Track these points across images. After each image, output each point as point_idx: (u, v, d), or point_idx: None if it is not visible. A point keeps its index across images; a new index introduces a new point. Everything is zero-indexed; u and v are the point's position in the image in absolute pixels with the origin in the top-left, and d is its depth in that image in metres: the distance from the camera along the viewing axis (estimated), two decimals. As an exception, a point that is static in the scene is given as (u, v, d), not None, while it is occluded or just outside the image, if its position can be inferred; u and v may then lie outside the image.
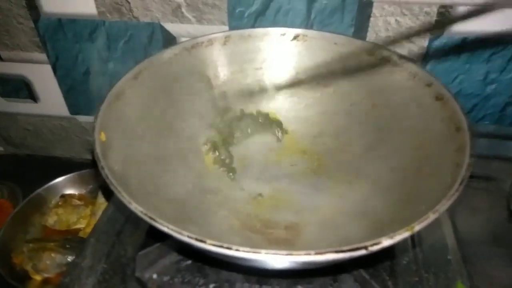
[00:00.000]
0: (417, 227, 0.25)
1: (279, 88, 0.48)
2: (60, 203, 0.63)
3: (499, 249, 0.40)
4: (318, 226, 0.36)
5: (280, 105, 0.48)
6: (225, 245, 0.23)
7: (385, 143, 0.40)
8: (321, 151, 0.45)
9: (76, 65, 0.62)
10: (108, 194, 0.61)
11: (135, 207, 0.26)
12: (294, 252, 0.23)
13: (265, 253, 0.23)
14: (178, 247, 0.38)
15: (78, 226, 0.63)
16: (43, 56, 0.62)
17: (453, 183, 0.28)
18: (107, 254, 0.40)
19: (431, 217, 0.25)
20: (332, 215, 0.38)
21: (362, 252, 0.23)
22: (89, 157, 0.76)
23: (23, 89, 0.66)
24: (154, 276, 0.37)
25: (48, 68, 0.63)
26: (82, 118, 0.69)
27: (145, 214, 0.25)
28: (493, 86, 0.55)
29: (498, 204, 0.44)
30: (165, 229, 0.24)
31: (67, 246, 0.57)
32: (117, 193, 0.27)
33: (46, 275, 0.56)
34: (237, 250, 0.23)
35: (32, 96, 0.67)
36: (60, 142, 0.74)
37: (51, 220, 0.62)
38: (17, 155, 0.77)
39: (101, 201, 0.63)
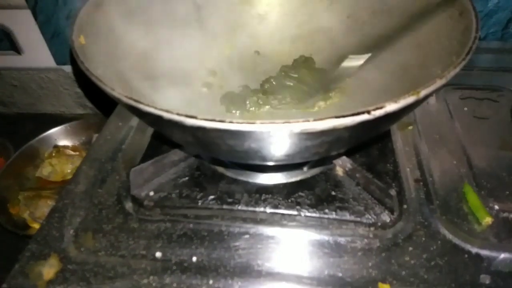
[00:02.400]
0: (423, 92, 0.23)
1: (272, 7, 0.46)
2: (53, 153, 0.62)
3: (504, 151, 0.39)
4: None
5: (273, 25, 0.45)
6: (218, 118, 0.22)
7: (385, 49, 0.38)
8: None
9: (57, 8, 0.59)
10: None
11: (119, 93, 0.24)
12: (292, 120, 0.21)
13: (261, 123, 0.21)
14: (175, 161, 0.37)
15: (73, 176, 0.61)
16: (21, 0, 0.58)
17: (460, 54, 0.26)
18: (101, 180, 0.38)
19: (438, 82, 0.23)
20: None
21: (365, 116, 0.21)
22: (80, 111, 0.74)
23: (3, 39, 0.63)
24: (151, 193, 0.35)
25: (28, 14, 0.60)
26: (69, 68, 0.67)
27: (130, 98, 0.23)
28: (495, 1, 0.52)
29: (501, 112, 0.43)
30: (151, 110, 0.22)
31: (63, 193, 0.56)
32: (98, 82, 0.25)
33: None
34: (230, 122, 0.21)
35: (14, 47, 0.64)
36: (49, 97, 0.72)
37: (45, 171, 0.61)
38: (6, 114, 0.75)
39: (95, 150, 0.62)
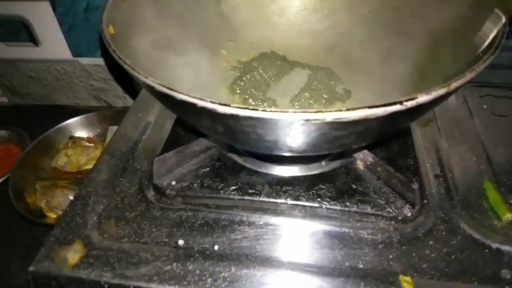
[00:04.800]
0: (455, 84, 0.23)
1: (291, 2, 0.46)
2: (69, 144, 0.62)
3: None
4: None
5: (292, 20, 0.46)
6: (251, 107, 0.22)
7: (406, 44, 0.38)
8: (337, 64, 0.43)
9: (76, 1, 0.59)
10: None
11: (153, 81, 0.24)
12: (324, 110, 0.21)
13: (293, 112, 0.22)
14: (197, 152, 0.37)
15: (88, 167, 0.62)
16: (40, -8, 0.59)
17: (488, 50, 0.26)
18: (122, 168, 0.39)
19: (468, 75, 0.24)
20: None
21: (397, 107, 0.22)
22: (94, 103, 0.75)
23: (22, 31, 0.64)
24: (173, 182, 0.36)
25: (46, 6, 0.60)
26: (85, 61, 0.67)
27: (164, 86, 0.24)
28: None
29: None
30: (185, 98, 0.23)
31: (80, 184, 0.56)
32: (131, 70, 0.25)
33: (59, 212, 0.55)
34: (264, 110, 0.22)
35: (32, 39, 0.65)
36: (64, 88, 0.73)
37: (61, 161, 0.61)
38: (22, 106, 0.76)
39: (110, 142, 0.62)
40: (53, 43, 0.65)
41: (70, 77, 0.71)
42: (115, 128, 0.64)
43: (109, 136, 0.64)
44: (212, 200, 0.35)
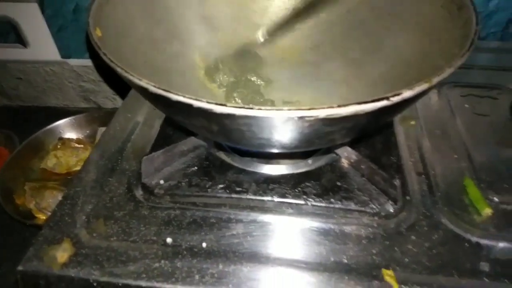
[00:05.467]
0: (435, 79, 0.24)
1: (271, 1, 0.47)
2: (58, 146, 0.62)
3: (503, 147, 0.40)
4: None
5: (273, 19, 0.46)
6: (247, 106, 0.23)
7: (384, 43, 0.40)
8: (317, 61, 0.44)
9: (64, 2, 0.59)
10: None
11: (146, 82, 0.25)
12: (316, 107, 0.22)
13: (288, 110, 0.22)
14: (185, 151, 0.38)
15: (77, 168, 0.62)
16: (29, -7, 0.59)
17: (464, 45, 0.27)
18: (111, 168, 0.39)
19: (447, 71, 0.25)
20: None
21: (384, 102, 0.23)
22: (84, 105, 0.75)
23: (10, 32, 0.64)
24: (161, 181, 0.36)
25: (35, 7, 0.60)
26: (74, 62, 0.67)
27: (158, 87, 0.24)
28: (495, 2, 0.54)
29: (501, 109, 0.44)
30: (180, 98, 0.23)
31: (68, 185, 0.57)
32: (123, 72, 0.26)
33: (49, 213, 0.55)
34: (259, 109, 0.22)
35: (20, 40, 0.65)
36: (53, 90, 0.73)
37: (50, 163, 0.61)
38: (11, 107, 0.76)
39: (100, 143, 0.63)
40: (41, 45, 0.65)
41: (59, 79, 0.71)
42: (104, 129, 0.65)
43: (98, 138, 0.64)
44: (200, 198, 0.35)
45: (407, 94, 0.24)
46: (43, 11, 0.61)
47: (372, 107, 0.23)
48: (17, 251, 0.53)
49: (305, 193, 0.35)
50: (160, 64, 0.39)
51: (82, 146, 0.64)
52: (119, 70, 0.26)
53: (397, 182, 0.34)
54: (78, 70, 0.69)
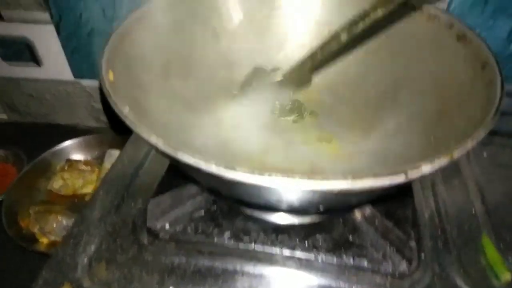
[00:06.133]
0: (457, 154, 0.23)
1: (288, 37, 0.46)
2: (66, 167, 0.62)
3: (525, 203, 0.38)
4: (335, 168, 0.35)
5: (290, 55, 0.46)
6: (256, 171, 0.22)
7: (404, 90, 0.38)
8: (333, 101, 0.43)
9: (80, 25, 0.60)
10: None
11: (156, 139, 0.24)
12: (331, 177, 0.21)
13: (299, 178, 0.21)
14: (192, 194, 0.37)
15: (84, 191, 0.62)
16: (45, 16, 0.59)
17: (488, 112, 0.26)
18: (117, 206, 0.38)
19: (470, 144, 0.24)
20: (348, 160, 0.36)
21: (401, 177, 0.22)
22: (94, 124, 0.74)
23: (25, 51, 0.64)
24: (167, 226, 0.35)
25: (51, 29, 0.61)
26: (86, 82, 0.67)
27: (168, 145, 0.23)
28: (517, 43, 0.53)
29: (522, 160, 0.42)
30: (190, 160, 0.22)
31: (74, 209, 0.56)
32: (134, 127, 0.25)
33: (53, 238, 0.55)
34: (269, 175, 0.21)
35: (34, 59, 0.65)
36: (64, 108, 0.73)
37: (56, 184, 0.61)
38: (21, 123, 0.76)
39: (107, 166, 0.62)
40: (55, 65, 0.65)
41: (70, 98, 0.71)
42: (113, 151, 0.64)
43: (106, 160, 0.63)
44: (206, 246, 0.34)
45: (426, 169, 0.22)
46: (58, 33, 0.61)
47: (389, 182, 0.22)
48: (17, 276, 0.52)
49: (315, 247, 0.33)
50: (177, 102, 0.38)
51: (89, 168, 0.63)
52: (128, 122, 0.26)
53: (412, 242, 0.32)
54: (90, 90, 0.69)
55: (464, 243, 0.35)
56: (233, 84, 0.44)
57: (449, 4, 0.50)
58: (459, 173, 0.41)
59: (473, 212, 0.38)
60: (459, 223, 0.37)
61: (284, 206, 0.26)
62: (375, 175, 0.21)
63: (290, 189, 0.22)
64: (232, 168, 0.22)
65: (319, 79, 0.45)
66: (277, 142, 0.41)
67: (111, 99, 0.27)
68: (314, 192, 0.23)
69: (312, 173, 0.35)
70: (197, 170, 0.23)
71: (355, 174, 0.21)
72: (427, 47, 0.39)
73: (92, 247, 0.35)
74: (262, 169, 0.22)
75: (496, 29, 0.52)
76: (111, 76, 0.31)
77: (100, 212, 0.38)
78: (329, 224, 0.35)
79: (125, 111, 0.26)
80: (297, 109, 0.44)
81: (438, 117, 0.34)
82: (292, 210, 0.27)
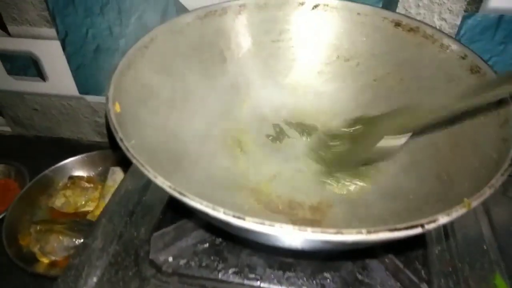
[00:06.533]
0: (475, 203, 0.22)
1: (296, 62, 0.46)
2: (68, 184, 0.61)
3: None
4: (344, 205, 0.34)
5: (297, 80, 0.45)
6: (267, 222, 0.21)
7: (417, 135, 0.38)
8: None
9: (86, 42, 0.59)
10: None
11: (162, 182, 0.23)
12: (344, 231, 0.20)
13: (312, 232, 0.20)
14: (197, 227, 0.36)
15: (86, 209, 0.61)
16: (52, 32, 0.59)
17: (504, 157, 0.25)
18: (119, 235, 0.37)
19: (488, 192, 0.23)
20: (358, 194, 0.35)
21: (418, 230, 0.21)
22: (98, 139, 0.74)
23: (31, 66, 0.64)
24: (170, 259, 0.34)
25: (57, 45, 0.60)
26: (91, 98, 0.67)
27: (174, 189, 0.23)
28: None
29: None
30: (198, 205, 0.22)
31: (75, 229, 0.55)
32: (140, 166, 0.24)
33: (53, 258, 0.54)
34: (281, 228, 0.21)
35: (40, 74, 0.65)
36: (68, 123, 0.72)
37: (58, 202, 0.60)
38: (25, 136, 0.75)
39: (110, 184, 0.61)
40: (60, 80, 0.65)
41: (75, 112, 0.70)
42: (116, 169, 0.64)
43: (110, 177, 0.62)
44: (210, 282, 0.33)
45: (443, 220, 0.22)
46: (64, 49, 0.61)
47: (405, 234, 0.21)
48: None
49: (323, 286, 0.32)
50: (183, 130, 0.37)
51: (92, 185, 0.63)
52: (134, 161, 0.25)
53: (423, 285, 0.31)
54: (95, 106, 0.68)
55: (476, 283, 0.34)
56: (240, 110, 0.43)
57: (459, 29, 0.49)
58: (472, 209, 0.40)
59: (485, 248, 0.36)
60: (471, 260, 0.35)
61: (292, 251, 0.25)
62: (391, 229, 0.20)
63: (301, 240, 0.21)
64: (241, 217, 0.21)
65: (328, 104, 0.44)
66: (285, 169, 0.40)
67: (117, 135, 0.27)
68: (325, 242, 0.22)
69: (319, 209, 0.34)
70: (206, 215, 0.22)
71: (370, 229, 0.20)
72: (440, 77, 0.38)
73: (94, 279, 0.34)
74: (271, 219, 0.21)
75: (507, 54, 0.51)
76: (117, 107, 0.30)
77: (102, 242, 0.37)
78: (337, 261, 0.34)
79: (130, 148, 0.25)
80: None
81: (451, 153, 0.33)
82: (302, 253, 0.26)
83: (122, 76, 0.32)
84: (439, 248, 0.36)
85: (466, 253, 0.36)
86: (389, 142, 0.33)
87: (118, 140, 0.26)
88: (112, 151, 0.67)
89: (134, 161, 0.25)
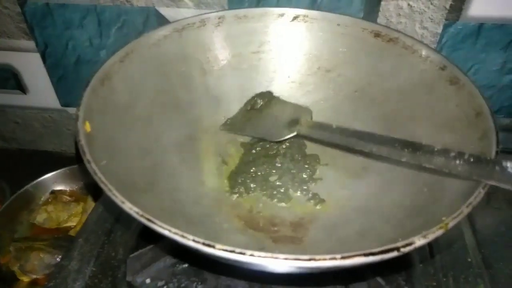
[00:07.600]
0: (451, 223, 0.22)
1: (277, 73, 0.45)
2: (50, 199, 0.60)
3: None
4: (326, 222, 0.33)
5: (278, 92, 0.44)
6: (238, 250, 0.20)
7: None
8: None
9: (66, 54, 0.58)
10: (96, 190, 0.58)
11: (130, 207, 0.22)
12: (317, 257, 0.20)
13: (284, 259, 0.20)
14: (174, 249, 0.35)
15: (68, 224, 0.60)
16: (31, 44, 0.58)
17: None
18: (96, 255, 0.36)
19: (465, 211, 0.22)
20: (340, 210, 0.35)
21: (394, 254, 0.20)
22: (81, 151, 0.73)
23: (10, 79, 0.63)
24: (147, 280, 0.33)
25: (36, 57, 0.59)
26: (73, 110, 0.65)
27: (142, 216, 0.22)
28: (510, 76, 0.52)
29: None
30: (165, 232, 0.21)
31: (57, 245, 0.54)
32: (107, 191, 0.23)
33: (34, 276, 0.52)
34: (251, 255, 0.20)
35: (20, 87, 0.64)
36: (50, 135, 0.71)
37: (40, 217, 0.59)
38: (6, 149, 0.74)
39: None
40: (41, 92, 0.64)
41: (57, 125, 0.69)
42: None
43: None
44: (189, 304, 0.32)
45: (419, 242, 0.21)
46: (44, 61, 0.60)
47: (380, 259, 0.20)
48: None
49: (304, 306, 0.32)
50: (159, 147, 0.36)
51: (74, 199, 0.61)
52: (102, 186, 0.24)
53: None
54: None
55: (460, 297, 0.34)
56: (221, 123, 0.43)
57: (441, 37, 0.49)
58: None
59: (469, 260, 0.36)
60: (455, 273, 0.35)
61: (269, 278, 0.24)
62: (366, 254, 0.20)
63: (276, 267, 0.21)
64: (211, 245, 0.20)
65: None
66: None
67: (85, 156, 0.26)
68: (300, 268, 0.21)
69: (301, 224, 0.33)
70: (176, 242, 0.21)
71: (344, 254, 0.20)
72: (419, 88, 0.38)
73: (69, 304, 0.33)
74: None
75: (488, 62, 0.51)
76: (88, 127, 0.29)
77: (79, 263, 0.36)
78: (319, 277, 0.33)
79: (98, 171, 0.25)
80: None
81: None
82: (276, 280, 0.25)
83: (94, 93, 0.31)
84: (422, 260, 0.36)
85: (450, 267, 0.36)
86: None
87: (85, 162, 0.25)
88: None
89: (101, 185, 0.24)
